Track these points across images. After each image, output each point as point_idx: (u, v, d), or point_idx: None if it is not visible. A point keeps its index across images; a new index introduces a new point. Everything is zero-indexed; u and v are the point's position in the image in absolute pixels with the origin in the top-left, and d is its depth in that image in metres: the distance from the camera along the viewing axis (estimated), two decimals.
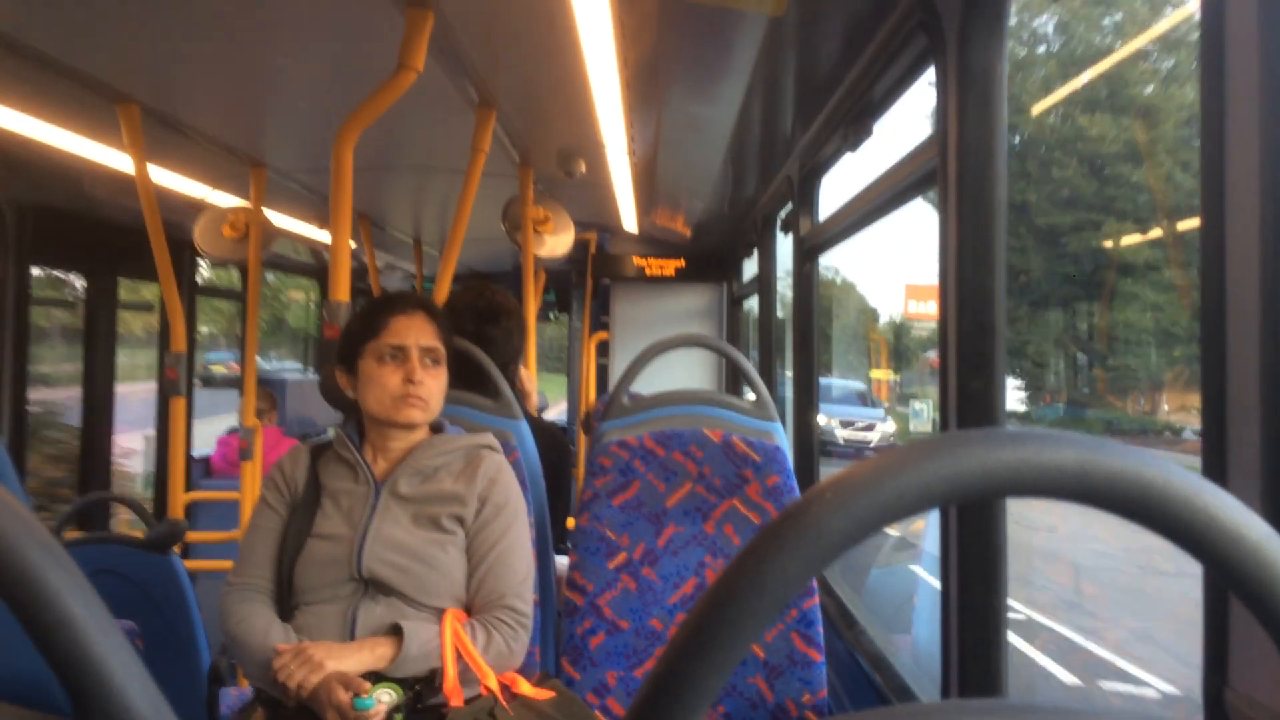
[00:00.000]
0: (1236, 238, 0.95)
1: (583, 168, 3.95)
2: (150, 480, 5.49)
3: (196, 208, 4.53)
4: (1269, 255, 0.90)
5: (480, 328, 2.62)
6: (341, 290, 2.41)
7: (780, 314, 5.10)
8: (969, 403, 1.60)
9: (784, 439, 2.47)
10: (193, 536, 4.80)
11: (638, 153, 3.85)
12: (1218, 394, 0.97)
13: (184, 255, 5.23)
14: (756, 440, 2.38)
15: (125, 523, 5.63)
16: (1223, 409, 0.96)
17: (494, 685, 1.81)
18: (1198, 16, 1.02)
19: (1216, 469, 0.97)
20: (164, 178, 4.10)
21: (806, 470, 3.60)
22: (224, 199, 4.60)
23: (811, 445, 3.67)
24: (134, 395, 6.33)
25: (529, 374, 3.13)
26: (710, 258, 6.65)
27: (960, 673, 1.67)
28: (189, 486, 5.38)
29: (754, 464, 2.36)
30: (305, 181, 4.39)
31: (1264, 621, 0.44)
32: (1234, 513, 0.44)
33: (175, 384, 3.87)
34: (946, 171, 1.62)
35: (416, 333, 1.98)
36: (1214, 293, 0.97)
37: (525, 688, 1.88)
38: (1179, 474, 0.44)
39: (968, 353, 1.57)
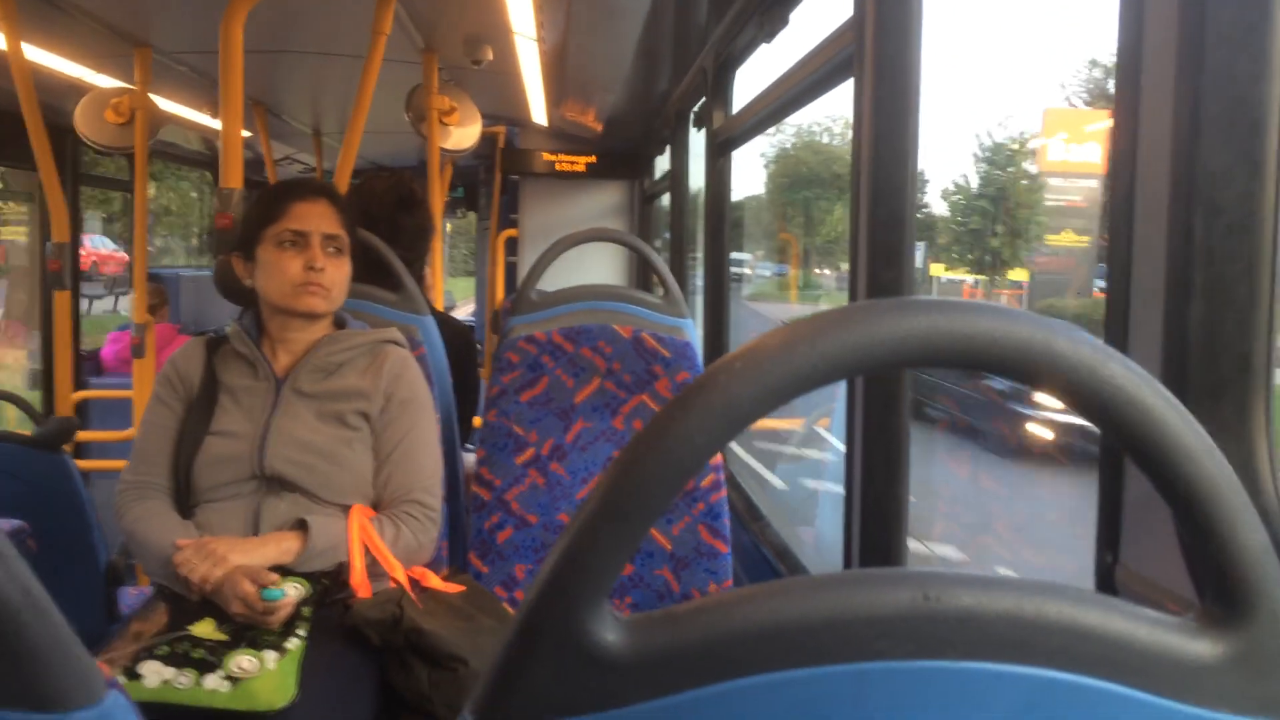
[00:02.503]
0: (1148, 131, 0.95)
1: (490, 55, 3.82)
2: (38, 379, 5.27)
3: (79, 91, 4.27)
4: (1180, 142, 0.90)
5: (395, 216, 2.53)
6: (234, 177, 2.31)
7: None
8: (879, 294, 1.61)
9: (694, 335, 2.47)
10: (85, 435, 4.65)
11: (547, 40, 3.73)
12: (1123, 269, 0.98)
13: (66, 141, 4.96)
14: (667, 336, 2.37)
15: (13, 423, 5.42)
16: (1127, 283, 0.98)
17: (402, 578, 1.80)
18: None
19: (1118, 337, 0.99)
20: (41, 57, 3.85)
21: None
22: (107, 82, 4.35)
23: (722, 340, 3.69)
24: None
25: (432, 269, 3.06)
26: (622, 154, 6.54)
27: (861, 559, 1.71)
28: (79, 385, 5.18)
29: (664, 360, 2.35)
30: (195, 64, 4.16)
31: (1160, 487, 0.45)
32: (1137, 380, 0.44)
33: (59, 276, 3.70)
34: (864, 58, 1.59)
35: (319, 219, 1.90)
36: (1125, 164, 0.98)
37: (435, 581, 1.87)
38: (1086, 341, 0.44)
39: (879, 244, 1.57)
